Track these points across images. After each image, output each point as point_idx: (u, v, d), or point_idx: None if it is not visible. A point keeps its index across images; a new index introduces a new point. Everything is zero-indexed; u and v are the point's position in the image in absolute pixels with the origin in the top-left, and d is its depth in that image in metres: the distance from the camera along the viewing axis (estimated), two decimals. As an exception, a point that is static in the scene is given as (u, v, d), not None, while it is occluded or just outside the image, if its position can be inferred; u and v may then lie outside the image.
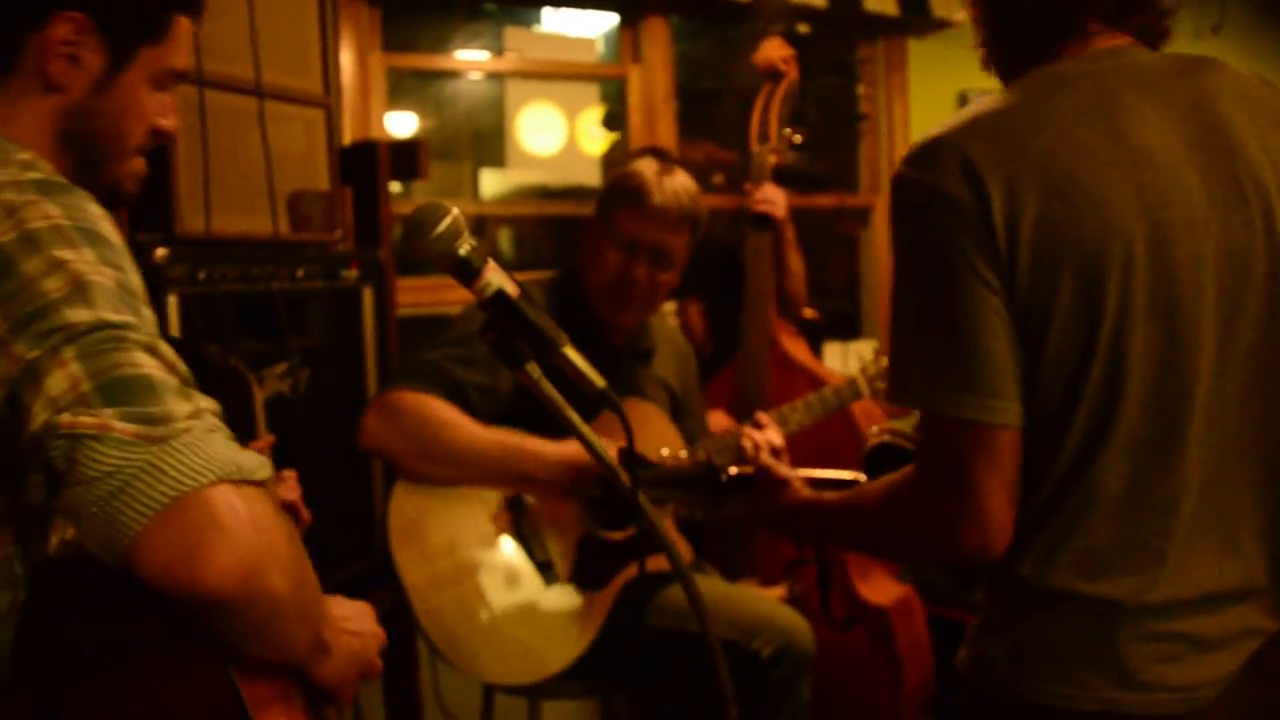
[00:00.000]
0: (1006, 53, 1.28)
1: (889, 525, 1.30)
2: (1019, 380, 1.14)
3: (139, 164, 1.18)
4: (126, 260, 0.99)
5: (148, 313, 0.96)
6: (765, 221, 2.68)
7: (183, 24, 1.16)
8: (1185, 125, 1.18)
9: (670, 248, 2.22)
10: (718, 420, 2.56)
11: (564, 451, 2.05)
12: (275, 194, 2.06)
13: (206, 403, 0.94)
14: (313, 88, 2.21)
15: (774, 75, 2.75)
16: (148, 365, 0.92)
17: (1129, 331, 1.13)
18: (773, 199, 2.69)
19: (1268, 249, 1.18)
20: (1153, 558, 1.16)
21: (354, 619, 1.22)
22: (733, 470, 1.64)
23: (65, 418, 0.87)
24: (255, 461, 0.94)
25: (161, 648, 0.97)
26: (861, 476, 1.62)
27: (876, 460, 1.56)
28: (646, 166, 2.26)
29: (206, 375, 1.88)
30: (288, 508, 1.71)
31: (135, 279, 0.99)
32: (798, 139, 2.75)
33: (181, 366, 0.95)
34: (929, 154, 1.16)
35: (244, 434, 1.64)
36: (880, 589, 2.69)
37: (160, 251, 1.89)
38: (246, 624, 0.94)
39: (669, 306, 3.00)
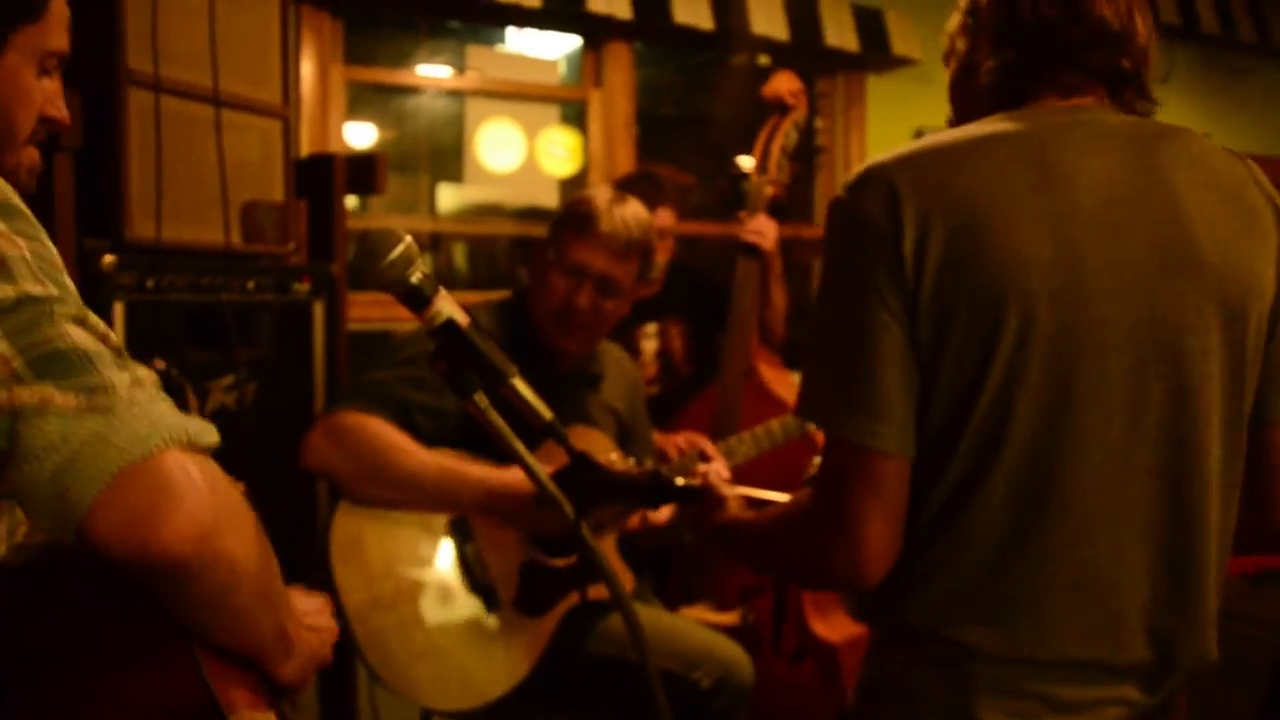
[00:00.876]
0: (968, 95, 1.29)
1: (778, 544, 1.31)
2: (908, 409, 1.13)
3: (31, 155, 1.13)
4: (41, 231, 0.97)
5: (68, 282, 0.94)
6: (754, 251, 2.70)
7: (58, 4, 1.12)
8: (1128, 189, 1.17)
9: (616, 276, 2.20)
10: (690, 439, 2.57)
11: (507, 479, 2.04)
12: (229, 204, 2.04)
13: (144, 372, 0.92)
14: (271, 98, 2.19)
15: (781, 108, 2.77)
16: (79, 337, 0.89)
17: (1021, 380, 1.12)
18: (764, 231, 2.71)
19: (1199, 326, 1.16)
20: (1016, 613, 1.15)
21: (313, 614, 1.21)
22: (679, 481, 1.65)
23: (1, 394, 0.85)
24: (203, 426, 0.92)
25: (130, 647, 0.96)
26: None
27: None
28: (600, 194, 2.26)
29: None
30: None
31: (51, 249, 0.96)
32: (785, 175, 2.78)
33: (113, 337, 0.93)
34: (861, 180, 1.18)
35: None
36: (834, 625, 2.70)
37: (108, 258, 1.86)
38: (206, 592, 0.93)
39: (650, 328, 3.01)
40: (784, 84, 2.78)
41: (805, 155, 4.06)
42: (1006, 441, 1.13)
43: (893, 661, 1.21)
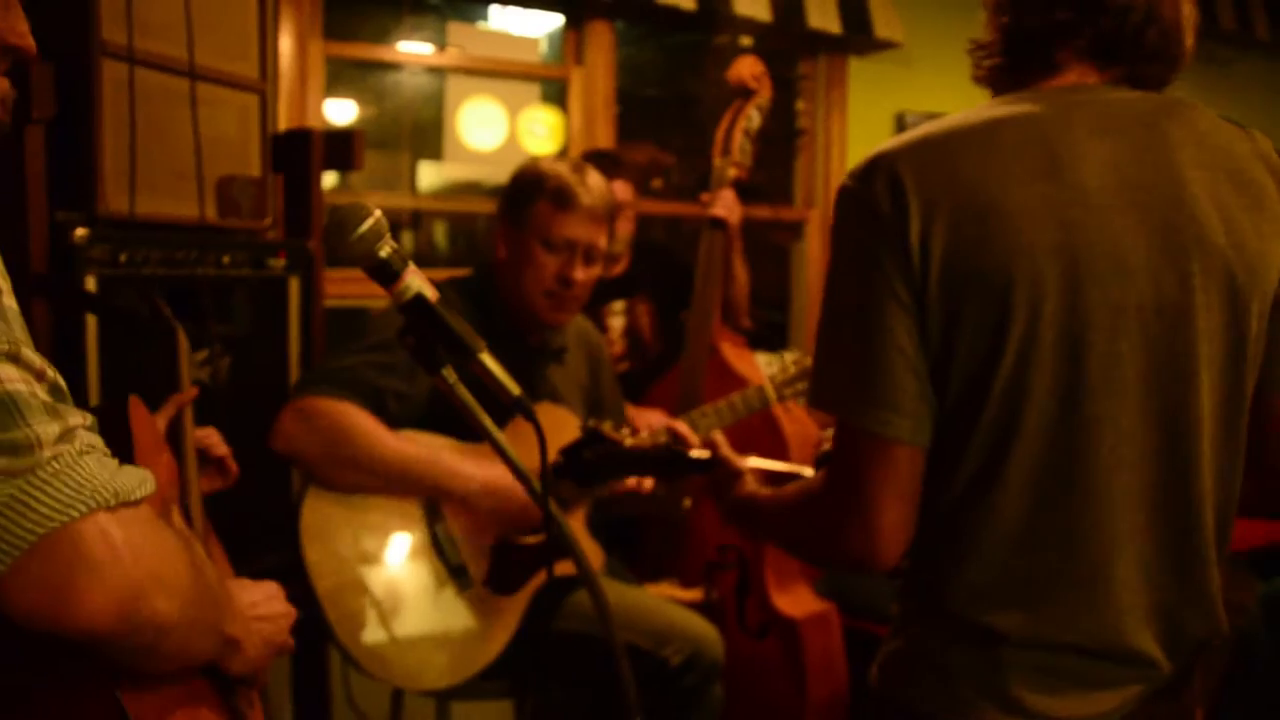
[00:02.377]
0: (992, 71, 1.28)
1: (794, 524, 1.32)
2: (921, 398, 1.15)
3: (3, 86, 1.03)
4: None
5: (9, 305, 0.85)
6: (719, 224, 2.72)
7: None
8: (1133, 170, 1.16)
9: (600, 244, 2.25)
10: (658, 419, 2.58)
11: (487, 475, 2.04)
12: (204, 178, 2.03)
13: (76, 418, 0.86)
14: (248, 72, 2.18)
15: (744, 92, 2.79)
16: (10, 380, 0.82)
17: (1034, 365, 1.13)
18: (730, 205, 2.73)
19: (1204, 306, 1.16)
20: (1040, 596, 1.17)
21: (262, 603, 1.20)
22: (694, 452, 1.66)
23: None
24: (135, 479, 0.87)
25: (43, 679, 0.94)
26: (810, 472, 1.63)
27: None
28: (558, 167, 2.26)
29: (131, 326, 1.86)
30: (215, 461, 1.69)
31: None
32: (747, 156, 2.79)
33: (50, 372, 0.86)
34: (867, 168, 1.17)
35: (169, 386, 1.63)
36: (796, 601, 2.73)
37: (80, 231, 1.85)
38: (132, 652, 0.90)
39: (618, 306, 3.02)
40: (746, 68, 2.80)
41: (785, 137, 4.07)
42: (1021, 427, 1.14)
43: (927, 638, 1.23)
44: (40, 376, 0.85)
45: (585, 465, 1.81)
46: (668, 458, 1.70)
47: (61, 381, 0.87)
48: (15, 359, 0.83)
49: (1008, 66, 1.25)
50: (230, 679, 1.15)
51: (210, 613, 1.00)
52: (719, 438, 1.63)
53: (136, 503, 0.87)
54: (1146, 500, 1.18)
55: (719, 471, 1.59)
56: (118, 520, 0.84)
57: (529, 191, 2.24)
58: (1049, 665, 1.18)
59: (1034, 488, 1.15)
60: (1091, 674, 1.19)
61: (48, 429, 0.82)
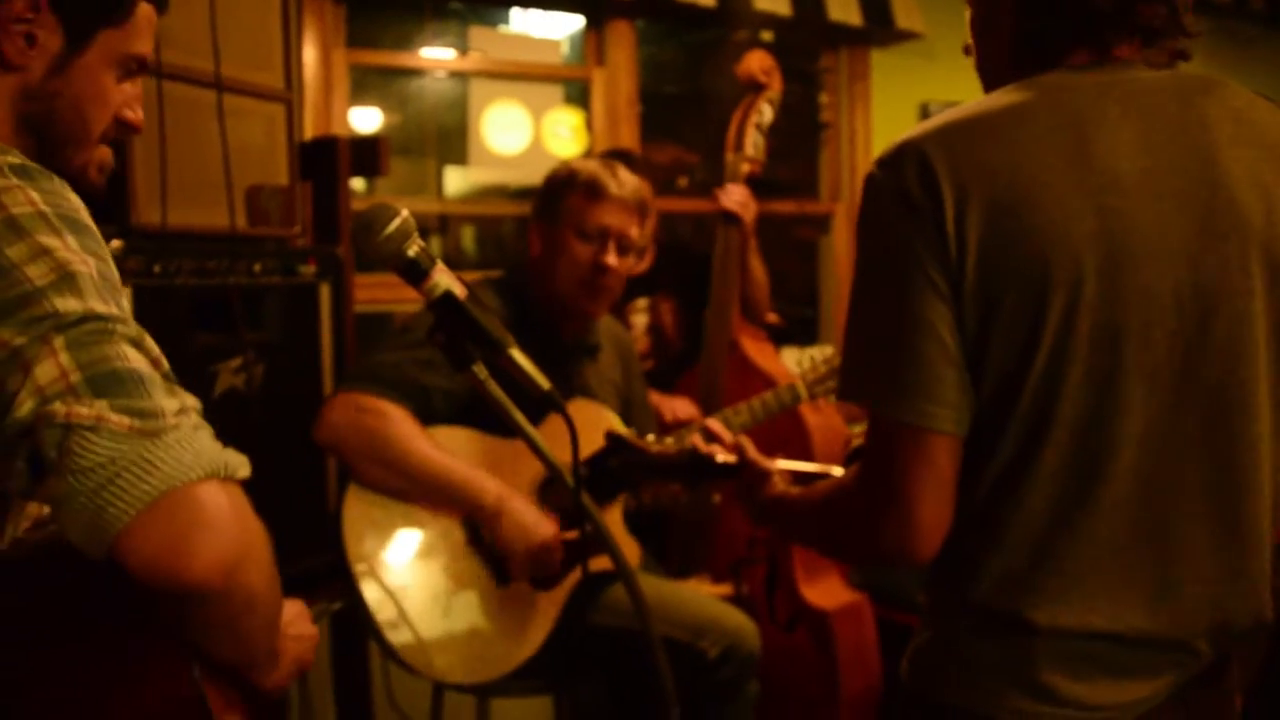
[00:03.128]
0: (998, 60, 1.25)
1: (828, 521, 1.31)
2: (960, 388, 1.12)
3: (104, 154, 1.16)
4: (105, 250, 0.99)
5: (126, 305, 0.96)
6: (733, 219, 2.73)
7: (144, 9, 1.15)
8: (1168, 152, 1.14)
9: (632, 234, 2.28)
10: (685, 406, 2.60)
11: (518, 508, 2.06)
12: (233, 188, 2.06)
13: (191, 400, 0.95)
14: (274, 82, 2.21)
15: (754, 86, 2.80)
16: (135, 359, 0.92)
17: (1069, 356, 1.11)
18: (742, 200, 2.74)
19: (1245, 289, 1.14)
20: (1069, 584, 1.15)
21: (295, 623, 1.23)
22: (720, 457, 1.66)
23: (58, 406, 0.87)
24: (238, 459, 0.94)
25: (129, 650, 0.98)
26: (839, 471, 1.62)
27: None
28: (589, 164, 2.31)
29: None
30: None
31: (114, 269, 0.98)
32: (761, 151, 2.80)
33: (164, 362, 0.95)
34: (895, 155, 1.15)
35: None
36: (827, 593, 2.72)
37: (115, 243, 1.88)
38: (221, 617, 0.96)
39: (641, 303, 3.04)
40: (756, 62, 2.81)
41: (809, 131, 4.07)
42: (1056, 416, 1.12)
43: (954, 630, 1.21)
44: (157, 364, 0.94)
45: (611, 473, 1.82)
46: (693, 464, 1.69)
47: (170, 372, 0.96)
48: (139, 344, 0.94)
49: (1026, 50, 1.21)
50: (258, 693, 1.16)
51: (278, 605, 1.05)
52: (745, 440, 1.62)
53: (239, 481, 0.94)
54: (1189, 487, 1.16)
55: (746, 474, 1.57)
56: (227, 490, 0.92)
57: (561, 187, 2.29)
58: (1082, 653, 1.16)
59: (1067, 476, 1.14)
60: (1128, 661, 1.17)
61: (169, 403, 0.91)
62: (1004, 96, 1.18)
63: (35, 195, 0.96)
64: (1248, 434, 1.16)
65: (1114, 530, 1.14)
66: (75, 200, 1.00)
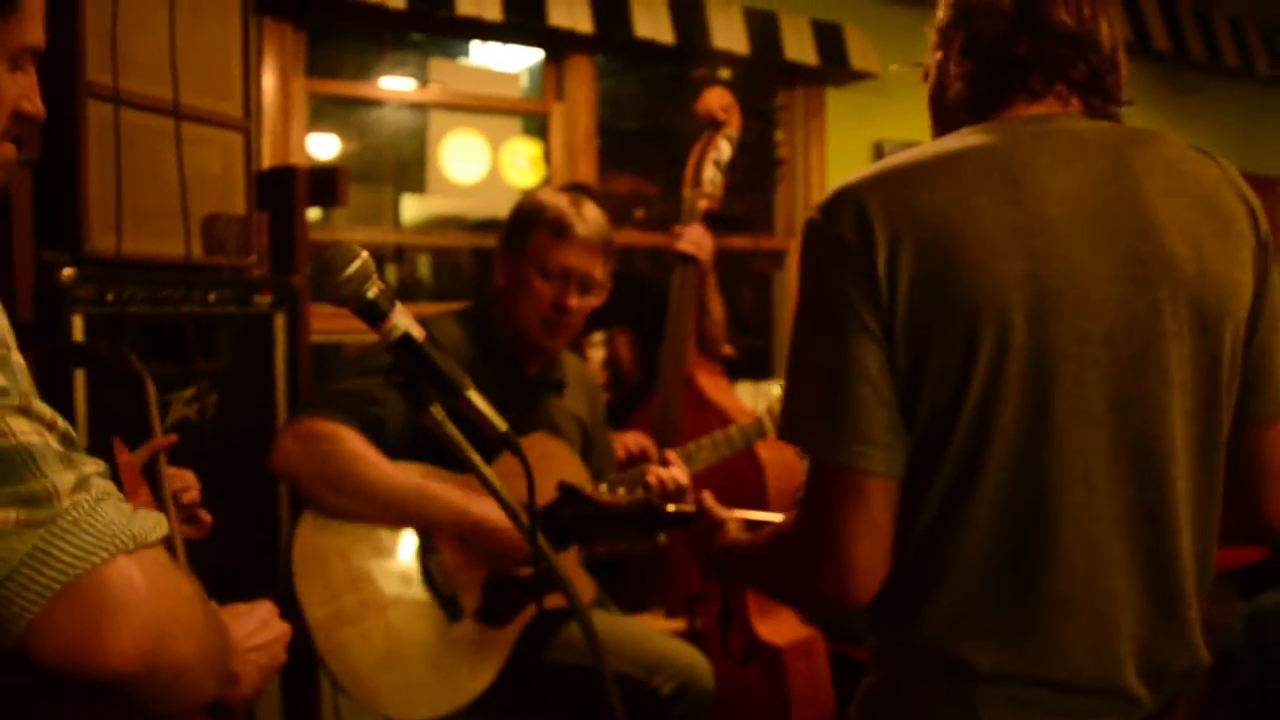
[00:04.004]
0: (943, 108, 1.29)
1: (770, 565, 1.31)
2: (893, 429, 1.13)
3: (5, 150, 1.07)
4: None
5: (16, 360, 0.87)
6: (690, 260, 2.75)
7: None
8: (1100, 198, 1.16)
9: (596, 275, 2.28)
10: (638, 440, 2.60)
11: (479, 511, 2.05)
12: (189, 216, 2.04)
13: (91, 465, 0.88)
14: (232, 110, 2.20)
15: (713, 123, 2.82)
16: (23, 432, 0.84)
17: (1000, 396, 1.12)
18: (698, 241, 2.76)
19: (1175, 334, 1.16)
20: (1012, 628, 1.15)
21: (257, 632, 1.21)
22: (671, 508, 1.66)
23: None
24: (150, 522, 0.89)
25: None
26: None
27: None
28: (558, 199, 2.30)
29: (101, 376, 1.86)
30: (185, 509, 1.68)
31: (2, 322, 0.89)
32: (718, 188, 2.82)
33: (61, 422, 0.88)
34: (832, 201, 1.18)
35: (141, 433, 1.63)
36: (779, 628, 2.73)
37: (67, 271, 1.86)
38: (152, 692, 0.91)
39: (597, 337, 3.04)
40: (715, 99, 2.84)
41: (765, 167, 4.11)
42: (989, 458, 1.13)
43: (896, 674, 1.22)
44: (51, 427, 0.86)
45: (564, 524, 1.82)
46: (645, 514, 1.69)
47: (71, 430, 0.88)
48: (26, 412, 0.85)
49: (967, 98, 1.25)
50: (222, 706, 1.15)
51: (220, 653, 1.01)
52: (706, 494, 1.61)
53: (153, 545, 0.89)
54: (1122, 532, 1.17)
55: (701, 523, 1.56)
56: (138, 563, 0.86)
57: (528, 221, 2.28)
58: (1024, 699, 1.16)
59: (1001, 519, 1.14)
60: (1070, 708, 1.17)
61: (64, 478, 0.84)
62: (942, 144, 1.21)
63: None
64: (1174, 481, 1.18)
65: (1053, 574, 1.15)
66: None
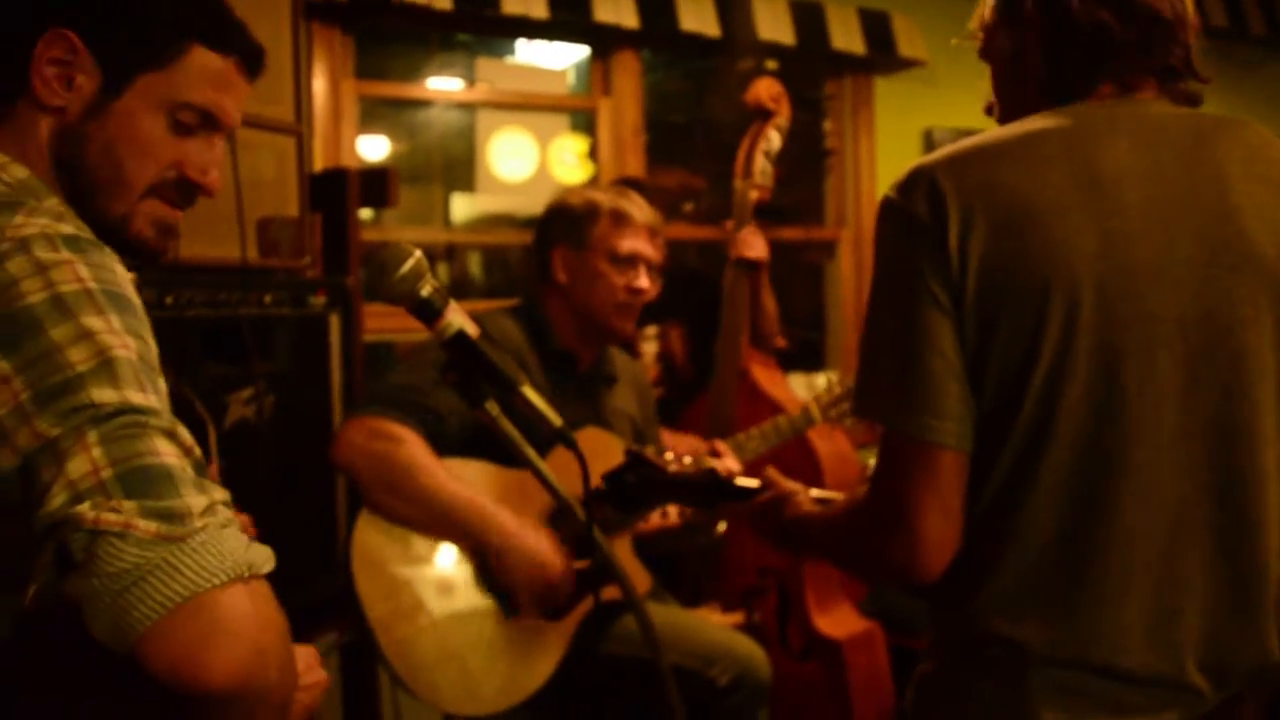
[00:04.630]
0: (1017, 92, 1.27)
1: (839, 538, 1.32)
2: (964, 402, 1.14)
3: (158, 209, 1.10)
4: (146, 328, 0.98)
5: (163, 385, 0.95)
6: (747, 264, 2.74)
7: (198, 54, 1.10)
8: (1179, 183, 1.16)
9: (656, 258, 2.32)
10: (689, 443, 2.60)
11: (528, 543, 2.05)
12: (244, 220, 2.07)
13: (219, 493, 0.94)
14: (284, 115, 2.23)
15: (763, 113, 2.81)
16: (167, 454, 0.91)
17: (1067, 373, 1.12)
18: (754, 244, 2.75)
19: (1252, 321, 1.15)
20: (1065, 611, 1.14)
21: (304, 674, 1.23)
22: (738, 481, 1.64)
23: (87, 510, 0.87)
24: (264, 555, 0.94)
25: (148, 695, 0.99)
26: None
27: None
28: (605, 192, 2.34)
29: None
30: None
31: (153, 347, 0.97)
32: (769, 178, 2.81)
33: (197, 450, 0.95)
34: (907, 179, 1.19)
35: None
36: (838, 622, 2.72)
37: (129, 276, 1.90)
38: (237, 714, 0.94)
39: (650, 331, 3.05)
40: (764, 89, 2.83)
41: (814, 158, 4.09)
42: (1054, 435, 1.13)
43: (949, 660, 1.22)
44: (189, 453, 0.93)
45: (628, 490, 1.81)
46: (711, 484, 1.68)
47: (203, 459, 0.95)
48: (172, 435, 0.92)
49: (1051, 84, 1.23)
50: None
51: (291, 688, 1.04)
52: (770, 468, 1.60)
53: (263, 577, 0.93)
54: (1192, 516, 1.15)
55: (770, 495, 1.54)
56: (250, 591, 0.91)
57: (586, 214, 2.30)
58: (1074, 686, 1.15)
59: (1063, 497, 1.14)
60: (1125, 699, 1.15)
61: (197, 501, 0.90)
62: (1019, 125, 1.21)
63: (84, 271, 0.94)
64: (1253, 469, 1.16)
65: (1114, 555, 1.14)
66: (122, 274, 0.98)
